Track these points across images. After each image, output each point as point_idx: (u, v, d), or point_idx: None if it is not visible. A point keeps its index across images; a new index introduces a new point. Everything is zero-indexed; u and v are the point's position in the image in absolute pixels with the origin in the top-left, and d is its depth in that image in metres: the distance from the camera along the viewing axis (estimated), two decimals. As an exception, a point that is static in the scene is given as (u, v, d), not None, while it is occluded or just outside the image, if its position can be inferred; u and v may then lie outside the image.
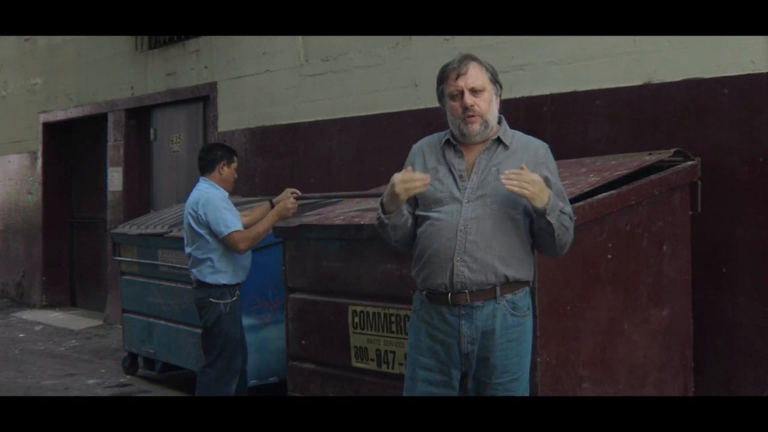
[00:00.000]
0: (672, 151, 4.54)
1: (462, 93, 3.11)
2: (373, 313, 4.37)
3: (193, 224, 5.11)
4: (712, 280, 4.69)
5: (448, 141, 3.22)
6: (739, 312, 4.67)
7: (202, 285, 5.13)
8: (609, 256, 4.07)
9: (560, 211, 3.02)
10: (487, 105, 3.14)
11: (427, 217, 3.14)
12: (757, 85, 4.60)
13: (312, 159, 7.20)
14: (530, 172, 2.96)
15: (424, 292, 3.17)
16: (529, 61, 5.61)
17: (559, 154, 5.66)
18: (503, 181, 2.93)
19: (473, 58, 3.20)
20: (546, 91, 5.52)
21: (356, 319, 4.46)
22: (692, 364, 4.55)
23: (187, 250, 5.21)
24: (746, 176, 4.64)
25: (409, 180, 3.05)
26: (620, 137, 5.13)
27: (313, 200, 5.57)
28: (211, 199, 5.09)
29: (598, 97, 5.26)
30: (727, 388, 4.69)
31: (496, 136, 3.18)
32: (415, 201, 3.22)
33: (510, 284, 3.09)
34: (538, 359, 3.73)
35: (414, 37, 6.33)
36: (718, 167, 4.66)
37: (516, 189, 2.92)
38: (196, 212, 5.10)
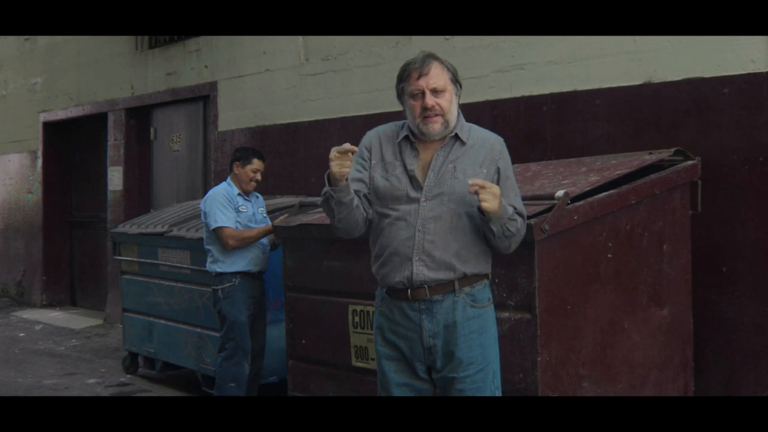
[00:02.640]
0: (672, 150, 4.54)
1: (423, 93, 3.13)
2: (373, 313, 4.37)
3: (202, 217, 5.53)
4: (712, 280, 4.69)
5: (406, 137, 3.23)
6: (739, 311, 4.67)
7: (211, 274, 5.49)
8: (609, 256, 4.07)
9: (508, 218, 3.08)
10: (448, 105, 3.16)
11: (385, 215, 3.18)
12: (758, 84, 4.60)
13: (312, 158, 7.20)
14: (492, 184, 3.02)
15: (384, 289, 3.22)
16: (529, 61, 5.61)
17: (559, 153, 5.67)
18: (470, 187, 2.98)
19: (435, 58, 3.21)
20: (546, 91, 5.52)
21: (356, 319, 4.47)
22: (692, 364, 4.55)
23: None
24: (746, 175, 4.64)
25: (340, 158, 3.02)
26: (620, 137, 5.13)
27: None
28: (213, 194, 5.51)
29: (599, 96, 5.26)
30: (727, 388, 4.69)
31: (453, 133, 3.21)
32: (371, 193, 3.23)
33: (468, 278, 3.15)
34: (538, 358, 3.73)
35: (414, 37, 6.33)
36: (718, 166, 4.66)
37: (481, 198, 2.98)
38: (202, 206, 5.54)
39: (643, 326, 4.23)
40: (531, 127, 5.58)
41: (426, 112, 3.13)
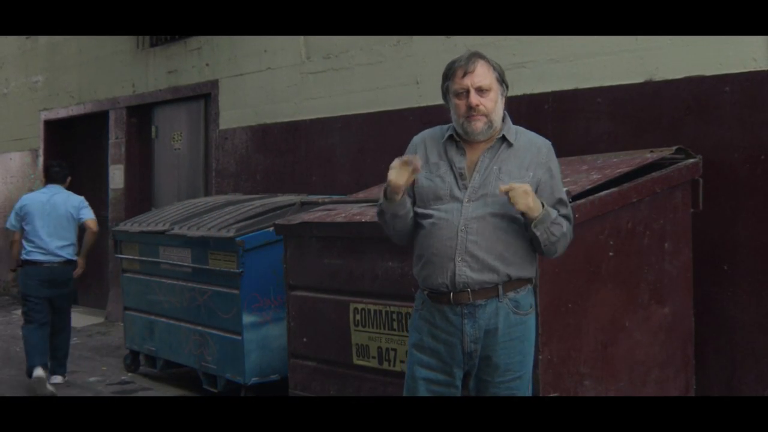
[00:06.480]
0: (673, 148, 4.54)
1: (468, 91, 3.07)
2: (375, 311, 4.38)
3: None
4: (713, 278, 4.69)
5: (450, 137, 3.18)
6: (740, 309, 4.67)
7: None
8: (610, 254, 4.07)
9: (552, 221, 3.02)
10: (493, 105, 3.09)
11: (427, 215, 3.11)
12: (759, 82, 4.60)
13: (313, 157, 7.20)
14: (519, 183, 2.98)
15: (426, 292, 3.15)
16: (531, 59, 5.61)
17: (560, 151, 5.65)
18: (501, 192, 2.97)
19: (481, 56, 3.13)
20: (547, 89, 5.51)
21: (357, 317, 4.47)
22: (693, 362, 4.55)
23: None
24: (747, 174, 4.64)
25: (399, 168, 3.00)
26: (622, 135, 5.13)
27: (322, 203, 5.61)
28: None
29: (600, 94, 5.26)
30: (728, 386, 4.69)
31: (500, 134, 3.16)
32: (413, 195, 3.18)
33: (512, 282, 3.08)
34: (540, 357, 3.73)
35: (415, 35, 6.33)
36: (719, 165, 4.65)
37: (511, 198, 2.96)
38: None
39: (644, 324, 4.23)
40: (532, 125, 5.50)
41: (470, 111, 3.07)
